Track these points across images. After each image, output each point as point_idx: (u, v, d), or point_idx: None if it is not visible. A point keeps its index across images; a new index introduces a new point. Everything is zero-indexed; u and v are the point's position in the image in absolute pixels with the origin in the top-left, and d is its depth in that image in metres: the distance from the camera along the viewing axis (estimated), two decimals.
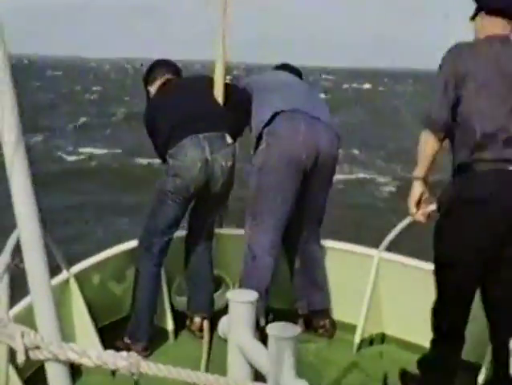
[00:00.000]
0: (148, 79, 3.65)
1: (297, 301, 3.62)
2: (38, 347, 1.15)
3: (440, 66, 2.60)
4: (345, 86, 62.43)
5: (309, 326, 3.56)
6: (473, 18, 2.67)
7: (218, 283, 3.85)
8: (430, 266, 2.83)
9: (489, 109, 2.46)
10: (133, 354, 1.13)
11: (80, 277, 3.21)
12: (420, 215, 2.77)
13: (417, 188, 2.74)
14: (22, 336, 1.16)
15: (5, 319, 1.20)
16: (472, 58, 2.52)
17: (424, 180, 2.75)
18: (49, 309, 1.17)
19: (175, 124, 3.27)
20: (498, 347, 2.64)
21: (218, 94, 3.52)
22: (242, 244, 3.77)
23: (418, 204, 2.76)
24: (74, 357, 1.14)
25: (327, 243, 3.62)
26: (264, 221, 3.30)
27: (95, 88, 45.23)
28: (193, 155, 3.21)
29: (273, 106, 3.31)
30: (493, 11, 2.55)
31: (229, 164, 3.30)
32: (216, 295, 3.73)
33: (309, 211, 3.45)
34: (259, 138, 3.31)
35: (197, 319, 3.56)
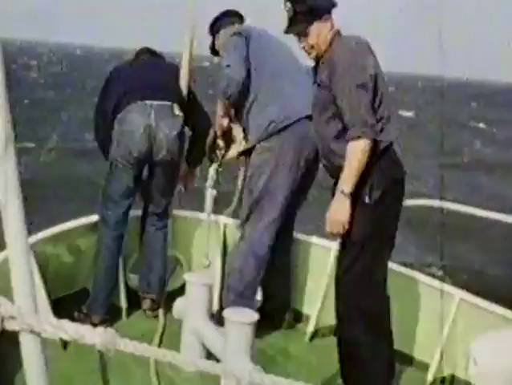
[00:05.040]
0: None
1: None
2: (13, 317, 1.16)
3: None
4: None
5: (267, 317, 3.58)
6: None
7: (173, 264, 3.86)
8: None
9: None
10: (110, 330, 1.15)
11: (36, 249, 3.16)
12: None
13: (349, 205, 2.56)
14: None
15: None
16: None
17: None
18: (27, 280, 1.18)
19: (126, 90, 3.33)
20: None
21: (183, 84, 3.55)
22: (198, 226, 3.80)
23: None
24: (49, 330, 1.15)
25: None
26: (267, 219, 3.23)
27: None
28: (137, 120, 3.24)
29: (275, 112, 3.18)
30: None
31: (174, 133, 3.30)
32: (171, 276, 3.75)
33: (299, 204, 3.44)
34: (266, 136, 3.21)
35: (147, 300, 3.56)
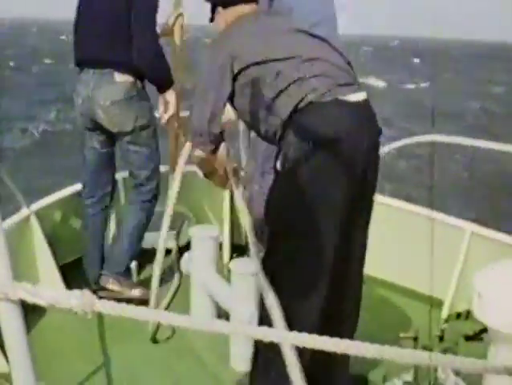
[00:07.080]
0: None
1: None
2: None
3: None
4: None
5: None
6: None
7: (181, 219, 3.81)
8: None
9: None
10: (87, 292, 1.10)
11: (41, 215, 3.16)
12: None
13: None
14: None
15: None
16: None
17: None
18: (1, 248, 1.13)
19: (80, 54, 3.22)
20: None
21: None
22: (202, 181, 3.71)
23: None
24: (25, 296, 1.11)
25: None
26: None
27: None
28: (78, 91, 3.20)
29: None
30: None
31: (108, 102, 3.07)
32: (179, 231, 3.71)
33: None
34: None
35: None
